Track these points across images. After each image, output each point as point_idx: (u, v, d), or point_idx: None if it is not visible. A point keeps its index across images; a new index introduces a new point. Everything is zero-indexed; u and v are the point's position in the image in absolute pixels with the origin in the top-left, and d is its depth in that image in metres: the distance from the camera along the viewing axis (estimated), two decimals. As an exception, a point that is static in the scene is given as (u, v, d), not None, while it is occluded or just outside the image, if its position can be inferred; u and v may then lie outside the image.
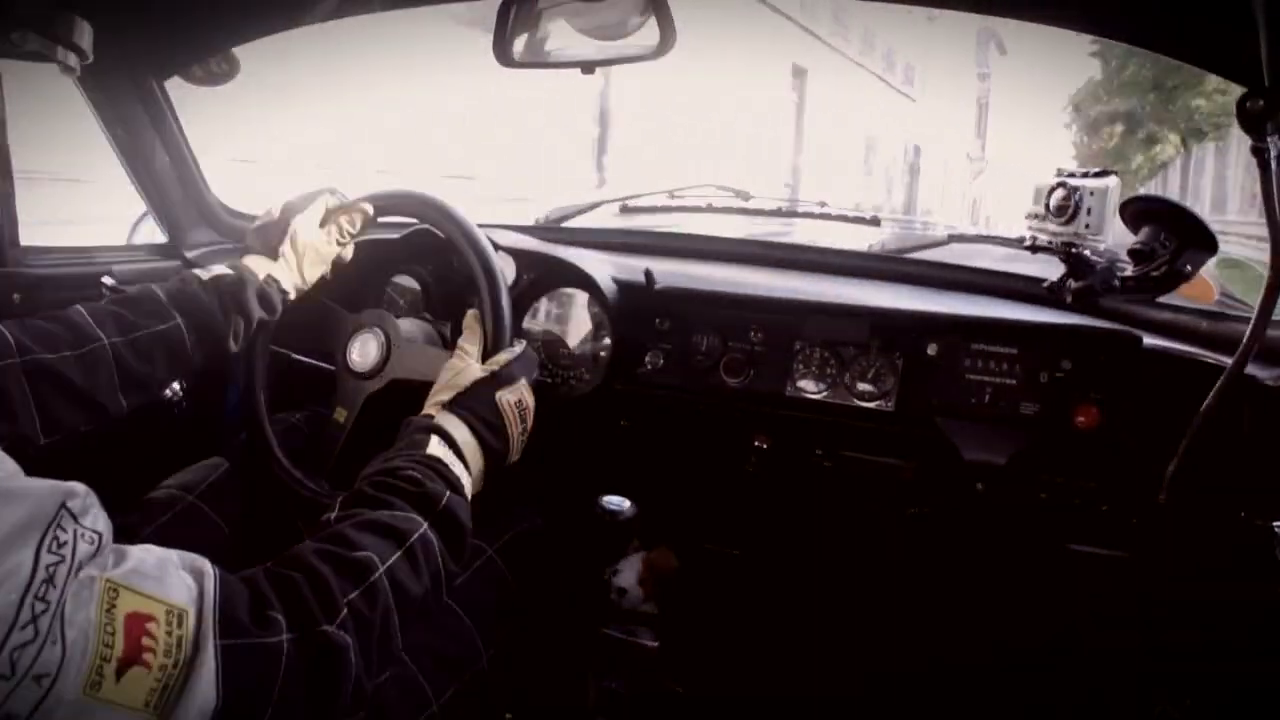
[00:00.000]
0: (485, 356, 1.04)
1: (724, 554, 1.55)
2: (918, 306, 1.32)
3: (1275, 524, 1.02)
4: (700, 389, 1.35)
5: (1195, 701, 1.22)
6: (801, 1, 15.37)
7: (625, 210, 1.72)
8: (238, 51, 1.38)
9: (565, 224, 1.73)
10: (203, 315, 0.98)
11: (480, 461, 0.88)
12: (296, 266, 1.08)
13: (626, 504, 0.90)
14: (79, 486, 0.55)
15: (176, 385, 1.47)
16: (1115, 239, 1.25)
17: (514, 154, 8.55)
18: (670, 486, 1.47)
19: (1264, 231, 0.86)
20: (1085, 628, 1.30)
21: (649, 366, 1.36)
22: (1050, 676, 1.35)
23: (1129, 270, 1.17)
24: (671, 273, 1.40)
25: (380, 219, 1.17)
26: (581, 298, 1.38)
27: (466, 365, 0.95)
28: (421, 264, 1.42)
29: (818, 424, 1.31)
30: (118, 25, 1.19)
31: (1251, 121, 0.81)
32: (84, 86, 1.33)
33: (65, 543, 0.51)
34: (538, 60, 1.01)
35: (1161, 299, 1.25)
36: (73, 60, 0.98)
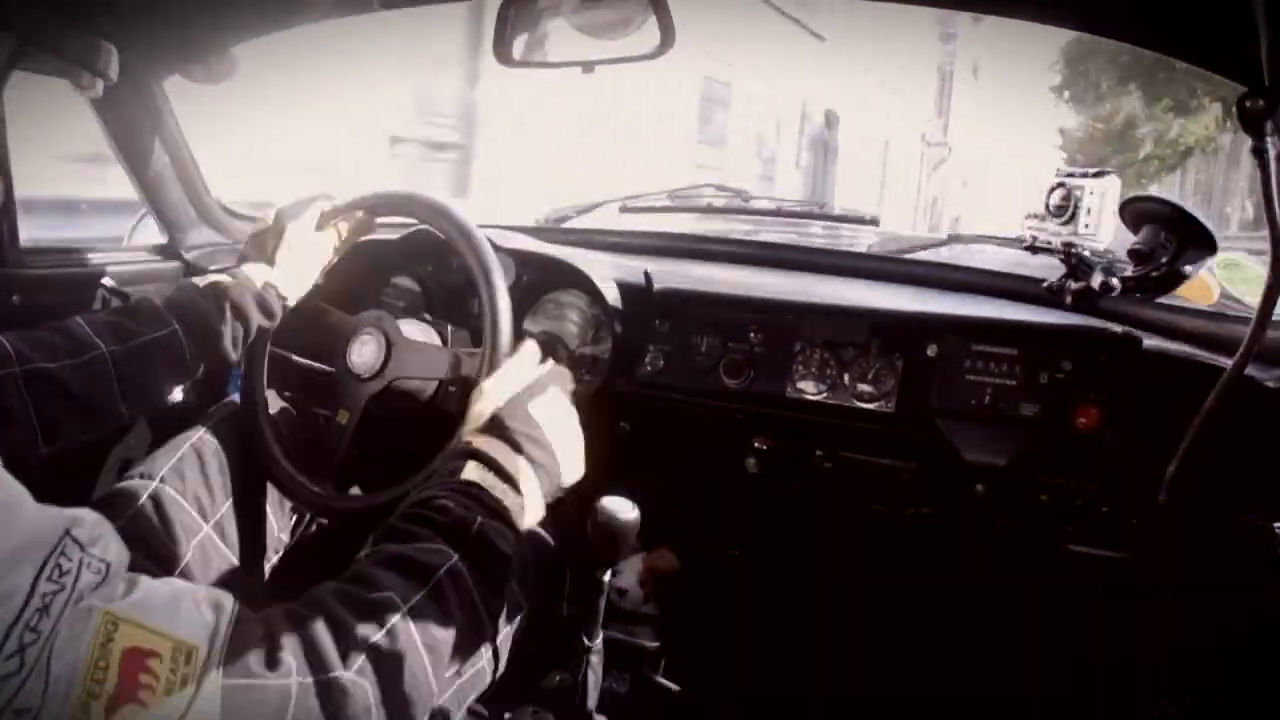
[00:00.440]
0: (485, 359, 1.04)
1: (724, 555, 1.55)
2: (918, 307, 1.31)
3: (1276, 525, 1.02)
4: (700, 390, 1.34)
5: (1195, 701, 1.22)
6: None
7: (624, 210, 1.72)
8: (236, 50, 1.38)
9: (564, 224, 1.73)
10: (201, 322, 0.98)
11: (533, 479, 0.82)
12: (294, 272, 1.08)
13: (629, 506, 0.88)
14: (88, 514, 0.53)
15: (179, 393, 1.47)
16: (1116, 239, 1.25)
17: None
18: (670, 487, 1.47)
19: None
20: (1086, 628, 1.30)
21: (649, 367, 1.36)
22: (1051, 677, 1.35)
23: (1129, 271, 1.17)
24: (671, 273, 1.40)
25: (379, 220, 1.17)
26: (581, 299, 1.38)
27: (495, 386, 0.90)
28: (421, 265, 1.42)
29: (818, 425, 1.31)
30: (116, 24, 1.19)
31: (1251, 121, 0.81)
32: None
33: (68, 571, 0.49)
34: (537, 60, 1.02)
35: (1161, 300, 1.25)
36: (98, 85, 0.98)
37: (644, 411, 1.39)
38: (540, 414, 0.86)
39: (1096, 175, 1.16)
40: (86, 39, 0.95)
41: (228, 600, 0.58)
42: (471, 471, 0.78)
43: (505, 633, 1.09)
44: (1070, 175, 1.18)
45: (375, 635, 0.62)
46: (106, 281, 1.37)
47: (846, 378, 1.29)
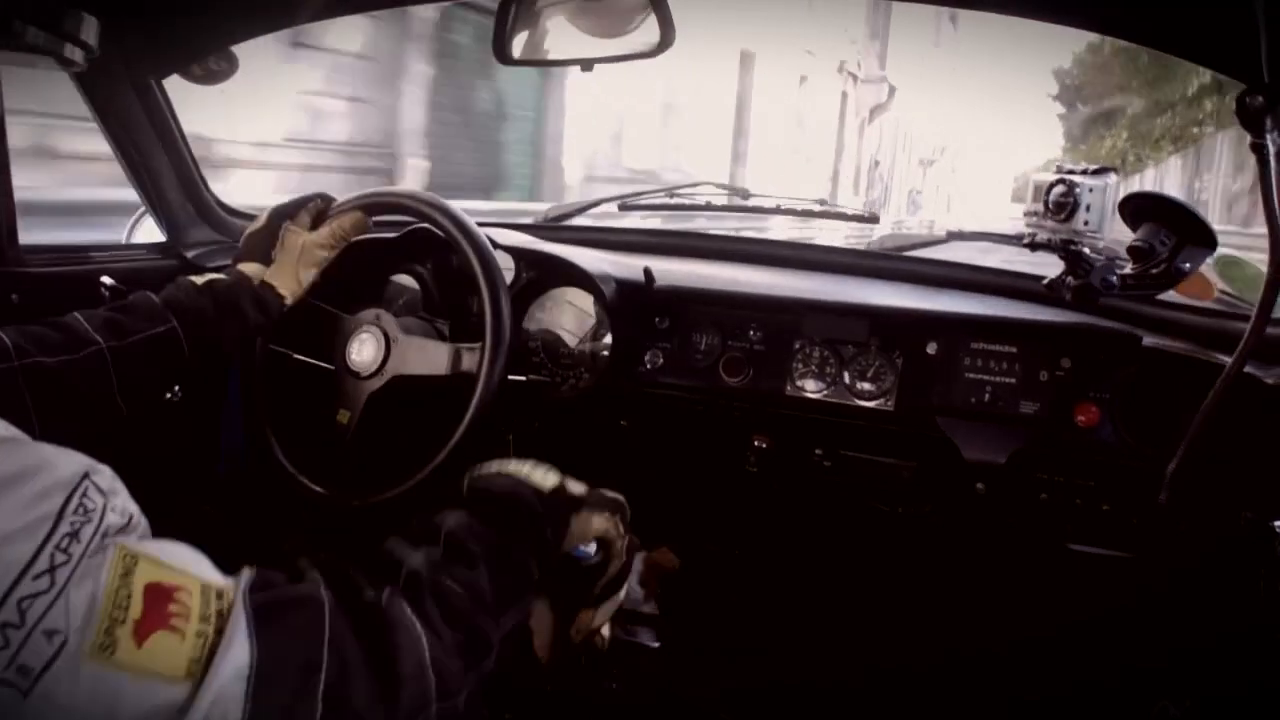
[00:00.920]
0: (485, 354, 1.04)
1: (724, 553, 1.55)
2: (917, 305, 1.31)
3: (1276, 523, 1.02)
4: (700, 388, 1.34)
5: (1195, 701, 1.22)
6: None
7: (624, 208, 1.72)
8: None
9: (564, 222, 1.73)
10: (198, 318, 0.98)
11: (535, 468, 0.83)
12: (289, 271, 1.08)
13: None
14: (105, 467, 0.53)
15: (176, 388, 1.47)
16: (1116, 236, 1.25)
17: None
18: (670, 486, 1.47)
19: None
20: (1086, 627, 1.30)
21: (648, 365, 1.36)
22: (1051, 676, 1.35)
23: (1128, 268, 1.17)
24: (671, 271, 1.40)
25: (377, 218, 1.17)
26: (581, 297, 1.37)
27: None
28: (420, 263, 1.41)
29: (817, 423, 1.31)
30: (116, 24, 1.19)
31: (1251, 118, 0.81)
32: (82, 85, 1.32)
33: (93, 509, 0.49)
34: (537, 58, 1.02)
35: (1161, 297, 1.25)
36: (78, 55, 0.98)
37: (643, 409, 1.39)
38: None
39: (1096, 172, 1.16)
40: (66, 9, 0.94)
41: (244, 578, 0.57)
42: (464, 483, 0.80)
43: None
44: (1070, 172, 1.18)
45: (384, 593, 0.61)
46: (106, 280, 1.37)
47: (846, 376, 1.29)
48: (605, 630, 0.91)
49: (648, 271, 1.34)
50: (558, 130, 9.84)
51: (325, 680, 0.52)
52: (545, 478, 0.81)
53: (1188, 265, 1.10)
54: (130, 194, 1.55)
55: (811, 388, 1.30)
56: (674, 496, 1.47)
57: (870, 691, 1.46)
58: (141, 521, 0.54)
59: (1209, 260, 1.12)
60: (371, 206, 1.14)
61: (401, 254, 1.41)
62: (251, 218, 1.13)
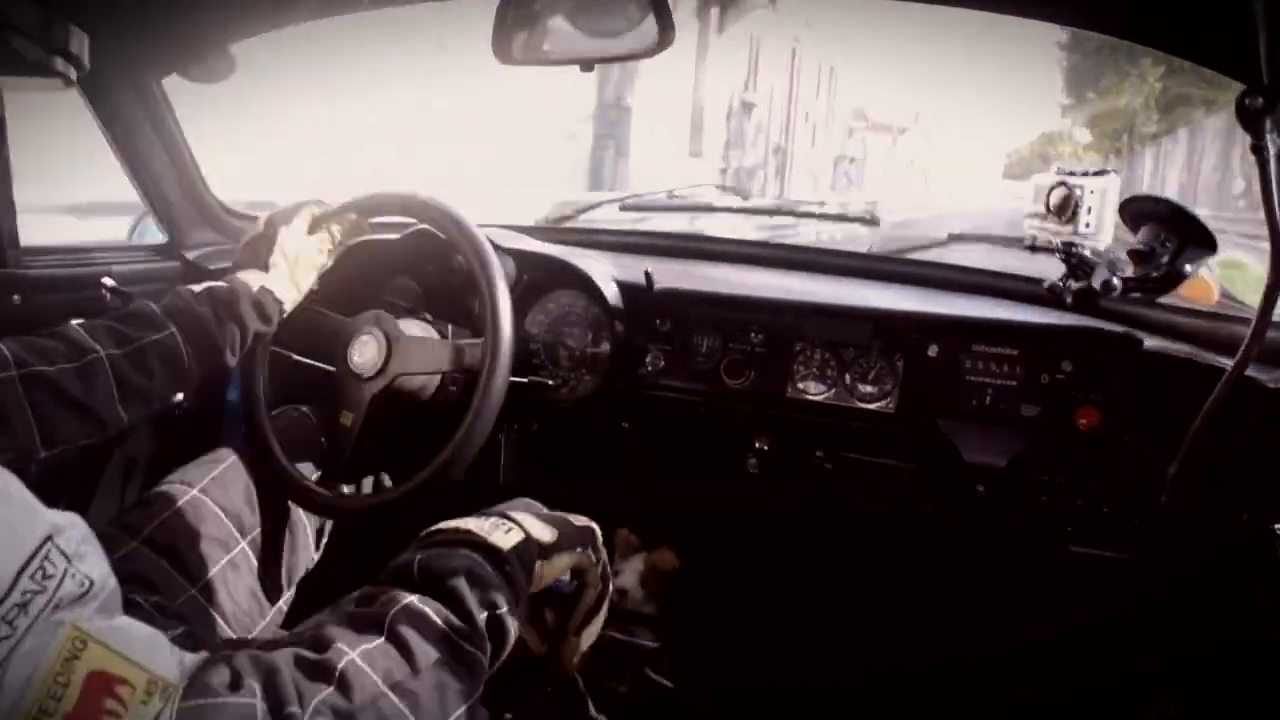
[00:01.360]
0: (486, 356, 1.04)
1: (725, 554, 1.55)
2: (918, 307, 1.31)
3: (1276, 526, 1.02)
4: (701, 390, 1.34)
5: (1195, 701, 1.22)
6: None
7: (625, 210, 1.72)
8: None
9: (565, 224, 1.73)
10: (197, 326, 0.98)
11: (517, 510, 0.81)
12: (288, 277, 1.08)
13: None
14: (75, 527, 0.52)
15: (180, 396, 1.47)
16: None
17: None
18: (671, 487, 1.47)
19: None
20: (1086, 629, 1.30)
21: (649, 367, 1.36)
22: (1051, 676, 1.35)
23: (1129, 271, 1.17)
24: (672, 273, 1.40)
25: (379, 220, 1.17)
26: (582, 299, 1.38)
27: None
28: (421, 265, 1.41)
29: (818, 425, 1.31)
30: (115, 24, 1.19)
31: (1250, 119, 0.80)
32: (81, 86, 1.32)
33: (52, 575, 0.47)
34: (536, 58, 1.01)
35: (1162, 300, 1.25)
36: (71, 72, 0.98)
37: (645, 411, 1.39)
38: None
39: (1097, 174, 1.16)
40: (57, 24, 0.94)
41: (197, 658, 0.56)
42: (428, 530, 0.78)
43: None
44: (1070, 174, 1.18)
45: (325, 690, 0.58)
46: (107, 281, 1.37)
47: (847, 378, 1.28)
48: (585, 643, 0.90)
49: (648, 274, 1.34)
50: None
51: None
52: (506, 537, 0.76)
53: (1188, 268, 1.10)
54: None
55: (812, 390, 1.30)
56: (675, 498, 1.47)
57: (871, 692, 1.46)
58: (106, 586, 0.52)
59: (1210, 263, 1.12)
60: (370, 209, 1.13)
61: (402, 255, 1.41)
62: (253, 219, 1.13)
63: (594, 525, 0.88)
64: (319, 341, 1.19)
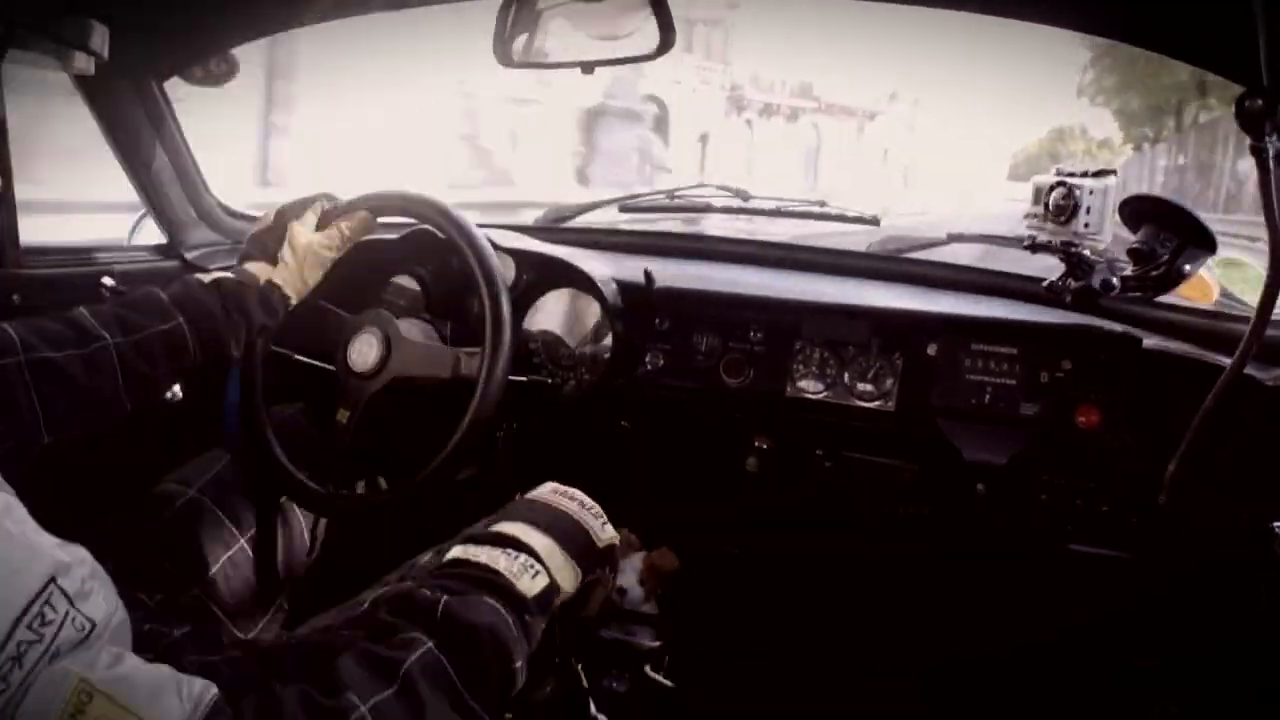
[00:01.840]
0: (485, 356, 1.04)
1: (724, 554, 1.55)
2: (918, 306, 1.32)
3: (1275, 524, 1.02)
4: (700, 389, 1.34)
5: (1196, 701, 1.23)
6: None
7: (624, 210, 1.72)
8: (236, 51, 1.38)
9: (564, 224, 1.73)
10: (205, 316, 0.98)
11: (538, 534, 0.79)
12: (295, 271, 1.08)
13: None
14: (81, 562, 0.51)
15: (176, 387, 1.47)
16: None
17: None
18: (671, 486, 1.47)
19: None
20: (1086, 628, 1.30)
21: (649, 367, 1.36)
22: (1052, 676, 1.35)
23: (1128, 270, 1.17)
24: (671, 273, 1.40)
25: (379, 220, 1.17)
26: (581, 298, 1.38)
27: None
28: (420, 264, 1.41)
29: (818, 424, 1.31)
30: (117, 26, 1.19)
31: (1250, 121, 0.81)
32: (83, 87, 1.33)
33: (50, 622, 0.47)
34: (537, 61, 1.01)
35: (1161, 299, 1.25)
36: (89, 64, 0.98)
37: (644, 411, 1.40)
38: (536, 494, 0.85)
39: (1097, 175, 1.16)
40: (78, 20, 0.95)
41: (209, 693, 0.55)
42: (455, 550, 0.76)
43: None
44: (1070, 174, 1.18)
45: None
46: (107, 281, 1.37)
47: (847, 377, 1.29)
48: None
49: (648, 273, 1.34)
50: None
51: None
52: (532, 583, 0.75)
53: (1188, 267, 1.11)
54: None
55: (812, 389, 1.30)
56: (674, 497, 1.47)
57: (871, 691, 1.46)
58: (111, 624, 0.52)
59: (1209, 262, 1.12)
60: (376, 207, 1.14)
61: (402, 255, 1.41)
62: (252, 219, 1.13)
63: (617, 539, 0.88)
64: (319, 337, 1.19)
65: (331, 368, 1.18)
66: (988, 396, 1.22)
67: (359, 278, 1.34)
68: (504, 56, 0.99)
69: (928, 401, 1.25)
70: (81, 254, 1.41)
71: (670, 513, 1.48)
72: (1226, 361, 0.95)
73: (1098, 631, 1.30)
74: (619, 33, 0.96)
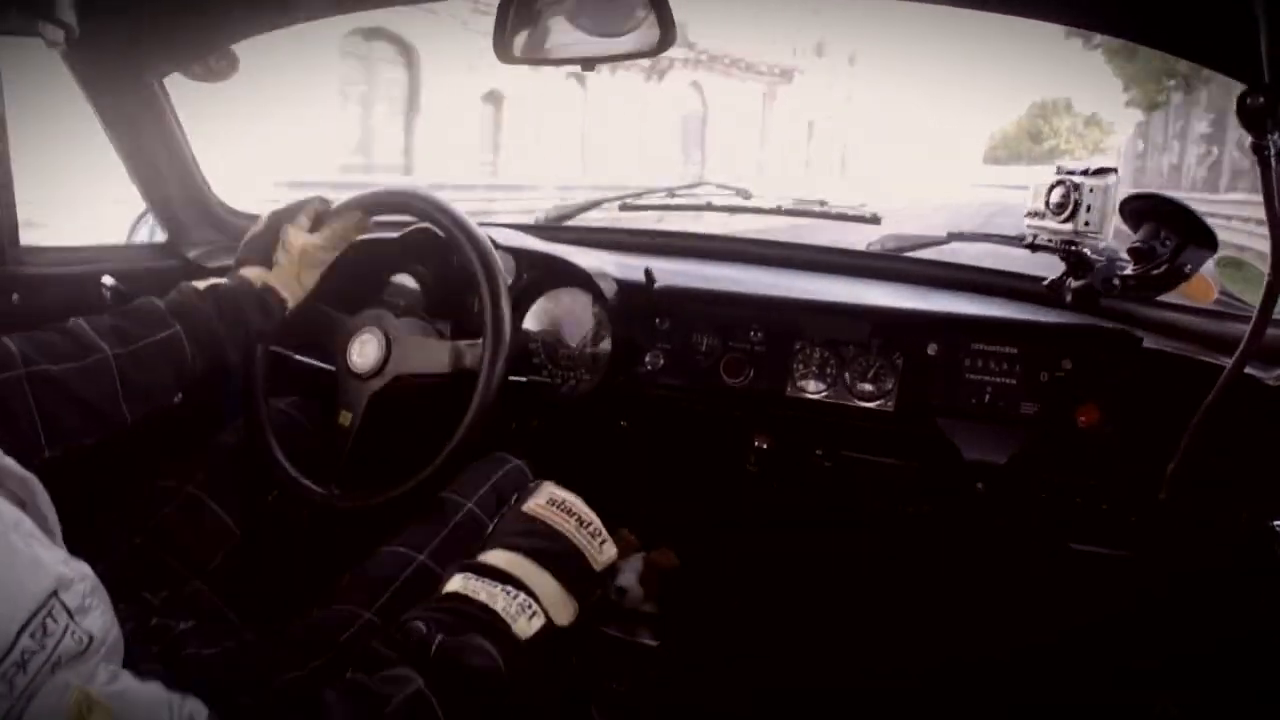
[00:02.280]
0: (486, 355, 1.04)
1: (724, 553, 1.55)
2: (918, 306, 1.32)
3: (1275, 523, 1.02)
4: (700, 388, 1.34)
5: (1196, 699, 1.22)
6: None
7: (625, 209, 1.72)
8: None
9: (565, 223, 1.73)
10: (202, 324, 0.98)
11: (535, 569, 0.78)
12: (291, 274, 1.08)
13: None
14: (81, 578, 0.52)
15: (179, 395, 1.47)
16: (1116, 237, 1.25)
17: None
18: (671, 486, 1.47)
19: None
20: (1086, 626, 1.30)
21: (649, 366, 1.36)
22: (1052, 674, 1.35)
23: (1129, 269, 1.17)
24: (671, 272, 1.40)
25: (378, 219, 1.17)
26: (582, 297, 1.37)
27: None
28: (420, 263, 1.41)
29: (818, 424, 1.31)
30: (117, 22, 1.19)
31: (1252, 118, 0.80)
32: (83, 84, 1.32)
33: (52, 633, 0.48)
34: (538, 56, 1.01)
35: (1161, 298, 1.25)
36: (59, 36, 0.98)
37: (644, 410, 1.39)
38: (535, 508, 0.82)
39: (1097, 173, 1.16)
40: None
41: (200, 715, 0.56)
42: (455, 583, 0.75)
43: None
44: (1071, 173, 1.18)
45: None
46: (107, 280, 1.37)
47: (847, 376, 1.29)
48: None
49: (648, 272, 1.34)
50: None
51: None
52: (529, 625, 0.74)
53: (1188, 267, 1.11)
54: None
55: (812, 388, 1.30)
56: (674, 497, 1.47)
57: (871, 690, 1.46)
58: (108, 640, 0.52)
59: (1209, 262, 1.12)
60: (371, 207, 1.13)
61: (401, 254, 1.41)
62: (253, 218, 1.13)
63: (614, 556, 0.87)
64: (318, 338, 1.19)
65: (332, 369, 1.18)
66: (988, 396, 1.22)
67: (358, 278, 1.34)
68: (504, 52, 0.99)
69: (928, 401, 1.24)
70: (81, 253, 1.41)
71: (670, 512, 1.48)
72: (1227, 361, 0.95)
73: (1097, 630, 1.29)
74: (619, 29, 0.96)
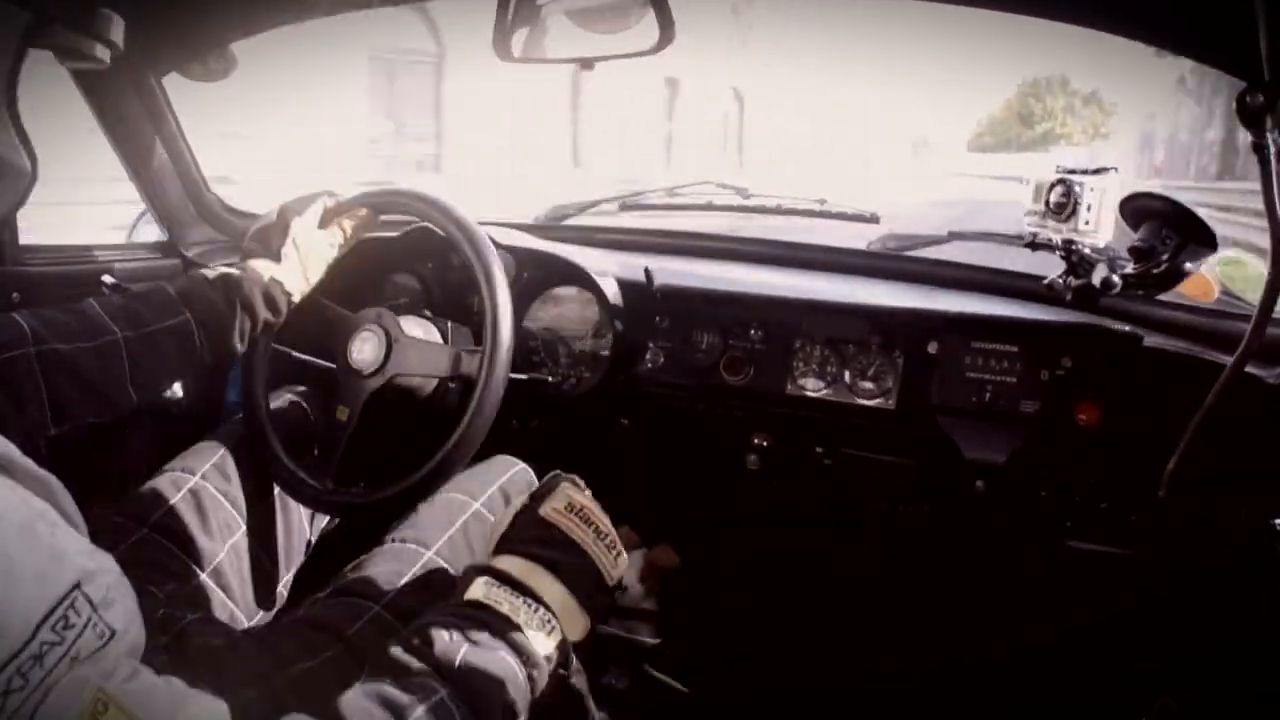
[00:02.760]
0: (486, 354, 1.04)
1: (724, 551, 1.55)
2: (918, 304, 1.32)
3: (1275, 521, 1.02)
4: (700, 387, 1.34)
5: (1195, 697, 1.22)
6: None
7: (625, 208, 1.72)
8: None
9: (565, 222, 1.73)
10: (212, 312, 0.98)
11: (558, 587, 0.76)
12: (298, 268, 1.08)
13: None
14: (106, 571, 0.52)
15: (177, 386, 1.47)
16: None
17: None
18: (671, 484, 1.47)
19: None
20: (1086, 623, 1.30)
21: (649, 365, 1.36)
22: (1052, 671, 1.35)
23: (1129, 268, 1.17)
24: (672, 271, 1.40)
25: (381, 218, 1.17)
26: (582, 296, 1.38)
27: (505, 513, 0.84)
28: (421, 262, 1.42)
29: (818, 422, 1.31)
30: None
31: (1251, 117, 0.80)
32: (81, 84, 1.32)
33: (73, 625, 0.47)
34: (537, 55, 1.01)
35: (1162, 297, 1.25)
36: (104, 53, 0.99)
37: (644, 408, 1.40)
38: (553, 513, 0.80)
39: (1097, 172, 1.16)
40: (95, 10, 0.96)
41: (220, 714, 0.55)
42: (478, 589, 0.74)
43: None
44: (1071, 172, 1.18)
45: None
46: (107, 279, 1.37)
47: (847, 375, 1.29)
48: None
49: (648, 271, 1.34)
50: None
51: None
52: (547, 641, 0.73)
53: (1189, 265, 1.10)
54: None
55: (812, 387, 1.30)
56: (674, 495, 1.47)
57: (871, 687, 1.46)
58: (129, 633, 0.52)
59: (1210, 260, 1.12)
60: (378, 204, 1.14)
61: (403, 253, 1.41)
62: (252, 217, 1.13)
63: (626, 569, 0.85)
64: (319, 333, 1.19)
65: (332, 365, 1.18)
66: (988, 394, 1.22)
67: (360, 275, 1.34)
68: (503, 51, 0.99)
69: (928, 399, 1.25)
70: (81, 252, 1.41)
71: (670, 510, 1.49)
72: (1227, 360, 0.94)
73: (1097, 629, 1.30)
74: (618, 28, 0.96)
